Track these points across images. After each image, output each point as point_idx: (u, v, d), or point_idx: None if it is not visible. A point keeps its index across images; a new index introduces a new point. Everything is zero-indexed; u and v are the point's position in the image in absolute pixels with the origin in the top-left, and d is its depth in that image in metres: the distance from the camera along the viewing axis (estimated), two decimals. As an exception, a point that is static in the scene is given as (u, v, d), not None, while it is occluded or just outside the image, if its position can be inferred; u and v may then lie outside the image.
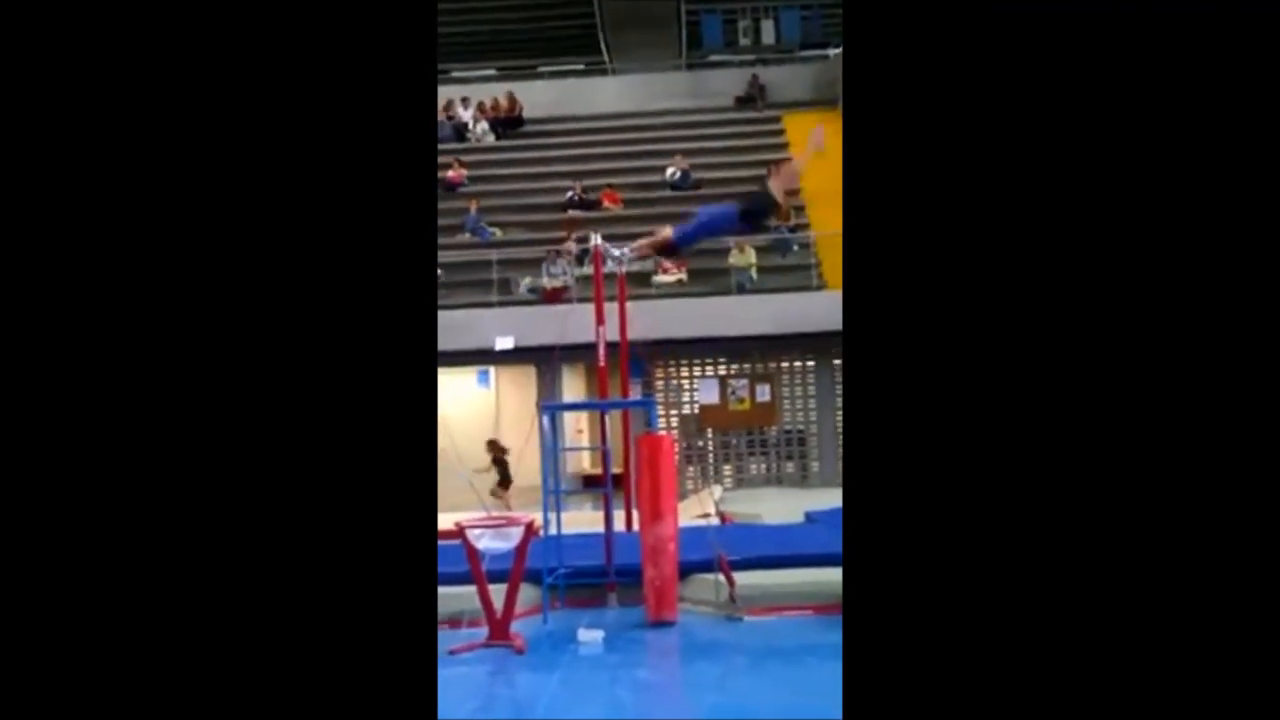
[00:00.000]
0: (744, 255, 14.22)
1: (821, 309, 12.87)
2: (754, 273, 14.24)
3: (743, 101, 18.96)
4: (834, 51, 19.89)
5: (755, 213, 6.74)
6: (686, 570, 6.93)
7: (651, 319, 10.46)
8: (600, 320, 8.41)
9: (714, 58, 20.69)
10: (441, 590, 6.53)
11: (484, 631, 6.22)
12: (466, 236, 15.47)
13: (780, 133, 18.00)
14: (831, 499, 10.17)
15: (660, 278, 14.13)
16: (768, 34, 21.10)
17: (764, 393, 14.13)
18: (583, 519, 9.21)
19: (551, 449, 7.57)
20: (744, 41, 21.20)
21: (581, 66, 20.81)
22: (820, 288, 13.82)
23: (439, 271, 13.83)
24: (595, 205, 15.98)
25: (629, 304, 9.44)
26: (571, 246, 14.10)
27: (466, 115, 18.44)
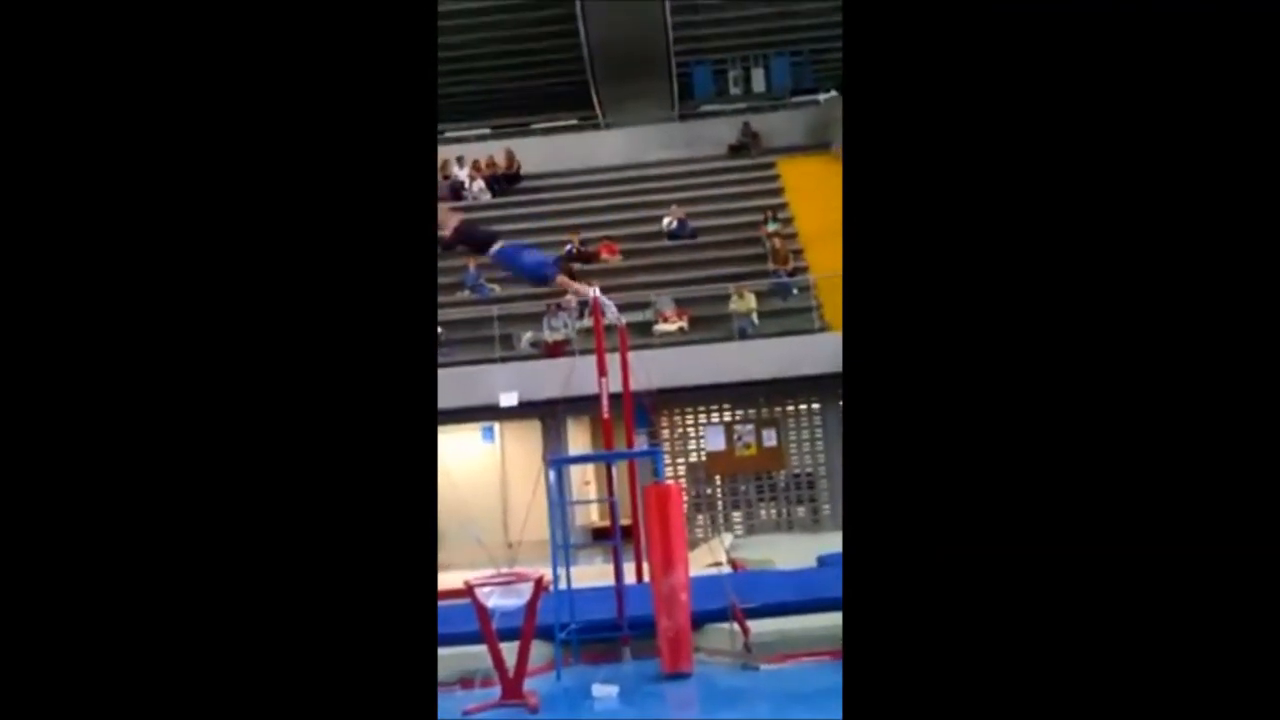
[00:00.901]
0: (744, 300, 14.23)
1: (824, 351, 12.83)
2: (755, 317, 14.24)
3: (736, 149, 19.09)
4: (825, 96, 20.04)
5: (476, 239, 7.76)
6: (700, 620, 6.84)
7: (654, 368, 10.43)
8: (602, 372, 8.38)
9: (706, 107, 20.85)
10: (453, 650, 6.47)
11: (497, 691, 6.12)
12: (466, 294, 15.50)
13: (775, 178, 18.09)
14: (844, 542, 10.07)
15: (661, 326, 14.13)
16: (758, 82, 21.26)
17: (770, 437, 14.06)
18: (593, 572, 9.12)
19: (559, 503, 7.50)
20: (735, 90, 21.36)
21: (574, 122, 20.98)
22: (822, 330, 13.79)
23: (440, 330, 13.85)
24: (594, 258, 16.02)
25: (631, 354, 9.41)
26: (571, 300, 14.11)
27: (462, 174, 18.56)
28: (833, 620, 6.72)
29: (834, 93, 19.84)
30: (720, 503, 14.37)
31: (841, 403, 13.63)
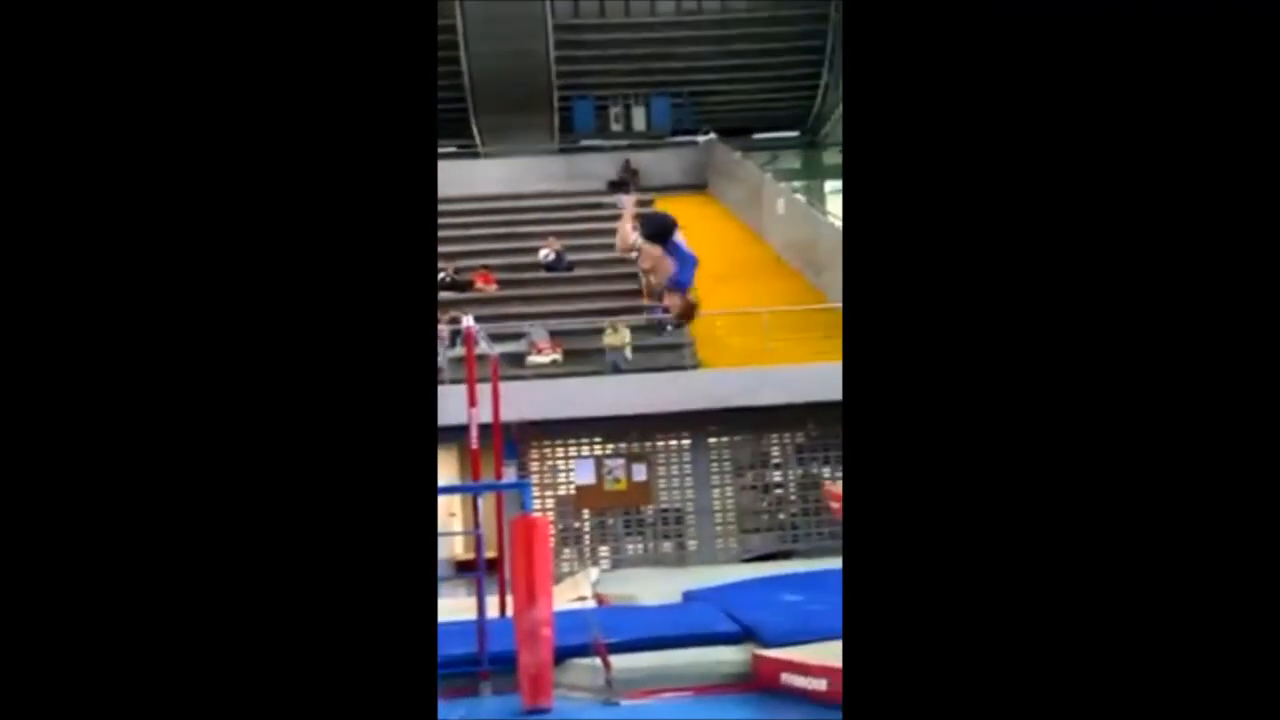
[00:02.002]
0: (618, 335, 14.26)
1: (696, 388, 12.95)
2: (628, 352, 14.28)
3: (616, 185, 19.20)
4: (703, 138, 20.37)
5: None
6: (563, 655, 6.77)
7: (526, 400, 10.36)
8: (473, 402, 8.28)
9: (586, 142, 20.95)
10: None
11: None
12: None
13: (652, 215, 18.24)
14: (709, 578, 10.12)
15: (535, 358, 14.05)
16: (639, 120, 21.50)
17: (640, 472, 14.06)
18: (456, 606, 8.95)
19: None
20: (616, 127, 21.54)
21: (453, 149, 20.82)
22: (695, 367, 13.92)
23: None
24: (468, 286, 15.87)
25: (503, 384, 9.35)
26: (442, 329, 13.93)
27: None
28: (695, 656, 6.73)
29: (712, 135, 20.21)
30: (587, 536, 14.29)
31: (710, 440, 13.80)
